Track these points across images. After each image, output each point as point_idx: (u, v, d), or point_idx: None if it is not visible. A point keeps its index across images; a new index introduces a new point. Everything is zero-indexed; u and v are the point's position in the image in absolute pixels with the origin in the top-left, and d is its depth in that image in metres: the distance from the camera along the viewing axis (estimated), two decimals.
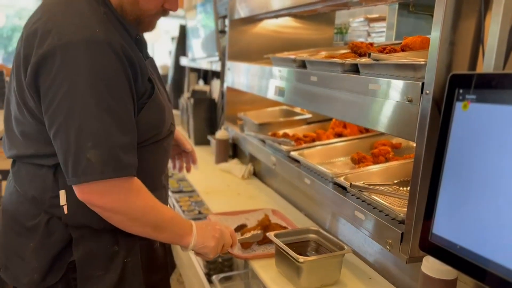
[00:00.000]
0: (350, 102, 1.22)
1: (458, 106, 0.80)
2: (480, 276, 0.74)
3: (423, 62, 0.98)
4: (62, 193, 1.00)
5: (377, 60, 1.13)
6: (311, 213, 1.74)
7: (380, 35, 2.21)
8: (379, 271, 1.31)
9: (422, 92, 0.95)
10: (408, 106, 1.01)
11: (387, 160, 1.53)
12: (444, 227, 0.82)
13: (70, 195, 0.99)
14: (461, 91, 0.79)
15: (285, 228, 1.50)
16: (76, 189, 0.95)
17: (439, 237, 0.83)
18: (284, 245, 1.22)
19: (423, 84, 0.95)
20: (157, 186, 1.17)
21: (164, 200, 1.20)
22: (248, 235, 1.41)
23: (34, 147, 1.01)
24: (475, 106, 0.77)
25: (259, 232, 1.42)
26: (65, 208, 1.01)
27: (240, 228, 1.52)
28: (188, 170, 1.51)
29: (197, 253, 1.15)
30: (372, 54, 1.13)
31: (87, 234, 1.04)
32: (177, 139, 1.44)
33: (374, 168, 1.43)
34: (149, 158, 1.10)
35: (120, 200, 0.97)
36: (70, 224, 1.02)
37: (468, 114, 0.78)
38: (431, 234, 0.86)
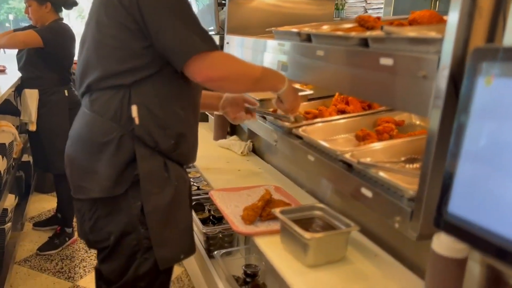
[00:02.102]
0: (359, 78, 1.19)
1: (481, 81, 0.77)
2: (499, 255, 0.73)
3: (439, 36, 0.95)
4: (134, 108, 1.22)
5: (390, 33, 1.09)
6: (313, 190, 1.73)
7: (377, 11, 2.17)
8: (385, 249, 1.30)
9: (438, 67, 0.93)
10: (422, 82, 0.98)
11: (391, 137, 1.52)
12: (461, 205, 0.81)
13: (140, 109, 1.23)
14: (484, 65, 0.76)
15: (288, 204, 1.48)
16: (190, 70, 1.19)
17: (456, 215, 0.82)
18: (291, 222, 1.21)
19: (439, 58, 0.92)
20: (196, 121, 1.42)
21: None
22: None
23: (115, 66, 1.22)
24: (499, 81, 0.74)
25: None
26: (136, 119, 1.22)
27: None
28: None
29: (278, 100, 1.46)
30: (384, 27, 1.09)
31: (146, 154, 1.25)
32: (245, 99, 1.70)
33: (379, 145, 1.41)
34: (195, 94, 1.36)
35: (223, 67, 1.23)
36: (139, 135, 1.24)
37: (491, 89, 0.76)
38: (447, 211, 0.84)
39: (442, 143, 0.95)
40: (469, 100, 0.80)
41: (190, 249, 1.37)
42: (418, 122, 1.68)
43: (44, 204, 3.62)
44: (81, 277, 2.62)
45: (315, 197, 1.70)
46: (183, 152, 1.33)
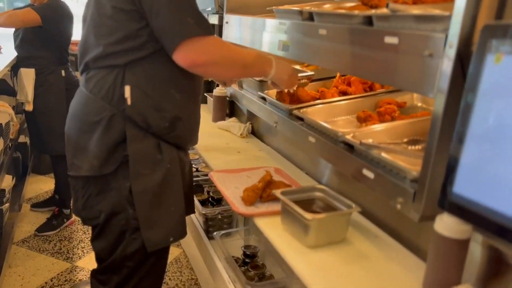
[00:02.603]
0: (363, 57, 1.17)
1: (490, 59, 0.76)
2: (504, 235, 0.72)
3: (447, 14, 0.92)
4: (127, 88, 1.22)
5: (395, 11, 1.07)
6: (313, 172, 1.72)
7: None
8: (385, 230, 1.30)
9: (445, 46, 0.91)
10: (427, 61, 0.96)
11: (393, 118, 1.50)
12: (466, 185, 0.80)
13: (133, 90, 1.22)
14: (494, 42, 0.75)
15: (288, 186, 1.47)
16: (179, 54, 1.17)
17: (461, 196, 0.81)
18: (292, 203, 1.20)
19: (446, 36, 0.90)
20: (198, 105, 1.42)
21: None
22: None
23: (112, 46, 1.21)
24: (509, 58, 0.72)
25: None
26: (128, 99, 1.22)
27: None
28: None
29: (273, 83, 1.47)
30: (390, 4, 1.06)
31: (138, 135, 1.25)
32: None
33: (381, 126, 1.39)
34: (194, 76, 1.32)
35: (211, 53, 1.21)
36: (130, 116, 1.23)
37: (500, 67, 0.74)
38: (452, 192, 0.83)
39: (447, 123, 0.94)
40: (477, 79, 0.78)
41: (181, 233, 1.36)
42: (420, 104, 1.66)
43: (41, 185, 3.61)
44: (79, 258, 2.63)
45: (315, 179, 1.70)
46: (178, 135, 1.31)
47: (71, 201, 1.42)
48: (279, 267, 1.41)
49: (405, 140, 1.29)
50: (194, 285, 2.41)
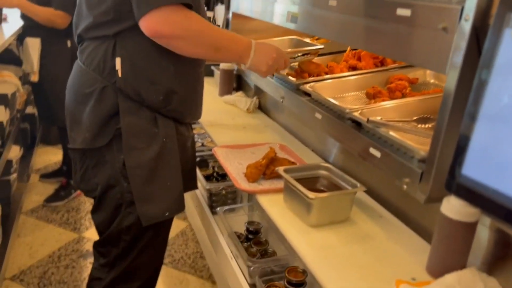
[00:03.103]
0: (374, 30, 1.11)
1: (507, 33, 0.70)
2: None
3: None
4: (118, 60, 1.18)
5: None
6: (319, 149, 1.69)
7: None
8: (391, 210, 1.27)
9: (460, 19, 0.85)
10: (441, 35, 0.91)
11: (403, 95, 1.45)
12: (476, 167, 0.76)
13: (124, 62, 1.18)
14: None
15: (293, 163, 1.44)
16: (144, 23, 1.10)
17: (469, 178, 0.77)
18: (294, 181, 1.18)
19: (462, 9, 0.85)
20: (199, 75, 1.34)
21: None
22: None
23: (101, 16, 1.17)
24: None
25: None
26: (119, 71, 1.18)
27: None
28: None
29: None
30: None
31: (132, 108, 1.21)
32: None
33: (390, 103, 1.34)
34: None
35: (178, 25, 1.12)
36: (122, 89, 1.19)
37: None
38: (460, 174, 0.80)
39: (459, 101, 0.89)
40: (493, 55, 0.73)
41: (177, 207, 1.33)
42: (432, 81, 1.60)
43: (50, 156, 3.63)
44: (86, 229, 2.66)
45: (321, 157, 1.66)
46: (175, 108, 1.27)
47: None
48: (282, 244, 1.39)
49: (415, 118, 1.25)
50: (200, 258, 2.43)
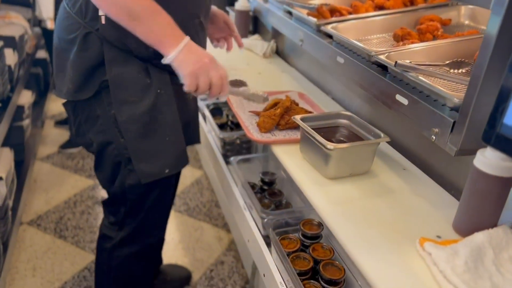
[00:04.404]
0: None
1: None
2: None
3: None
4: None
5: None
6: (340, 97, 1.59)
7: None
8: (415, 163, 1.19)
9: None
10: None
11: (435, 37, 1.32)
12: None
13: None
14: None
15: (311, 113, 1.35)
16: None
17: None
18: (312, 130, 1.09)
19: None
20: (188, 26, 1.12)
21: None
22: (244, 89, 1.30)
23: None
24: None
25: (261, 93, 1.30)
26: (102, 18, 1.06)
27: (237, 84, 1.39)
28: (229, 49, 1.59)
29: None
30: None
31: (119, 58, 1.10)
32: (229, 23, 1.50)
33: (420, 46, 1.22)
34: None
35: None
36: (106, 37, 1.08)
37: None
38: (501, 124, 0.70)
39: (503, 43, 0.78)
40: None
41: (178, 163, 1.24)
42: (467, 22, 1.45)
43: None
44: None
45: (342, 105, 1.56)
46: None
47: None
48: (297, 196, 1.33)
49: (447, 62, 1.13)
50: (215, 206, 2.41)
